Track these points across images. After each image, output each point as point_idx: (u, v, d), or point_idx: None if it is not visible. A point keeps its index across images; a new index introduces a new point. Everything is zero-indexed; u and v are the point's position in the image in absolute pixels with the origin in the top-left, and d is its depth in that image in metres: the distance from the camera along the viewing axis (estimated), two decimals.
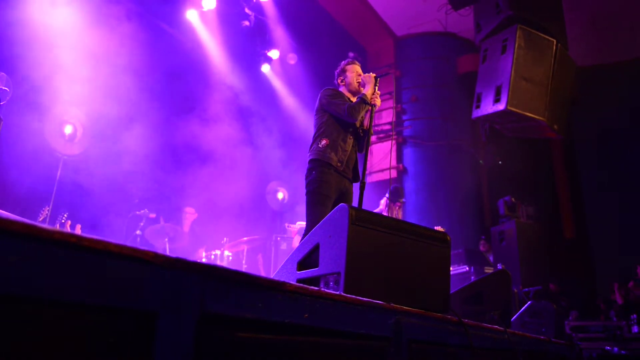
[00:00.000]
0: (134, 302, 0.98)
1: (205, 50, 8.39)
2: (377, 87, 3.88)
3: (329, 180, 3.74)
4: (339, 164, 3.79)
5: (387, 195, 5.99)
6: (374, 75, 3.93)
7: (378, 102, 3.86)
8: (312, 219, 3.62)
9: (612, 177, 9.89)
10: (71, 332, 0.90)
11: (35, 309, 0.85)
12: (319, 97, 4.01)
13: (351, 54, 9.43)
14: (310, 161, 3.84)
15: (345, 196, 3.87)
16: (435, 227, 6.08)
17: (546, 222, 9.41)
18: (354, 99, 3.99)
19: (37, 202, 5.68)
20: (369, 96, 3.82)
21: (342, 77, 4.15)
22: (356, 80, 4.05)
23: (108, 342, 0.95)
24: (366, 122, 3.99)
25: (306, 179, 3.84)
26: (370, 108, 3.83)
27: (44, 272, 0.85)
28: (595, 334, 6.77)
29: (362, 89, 3.96)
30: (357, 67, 4.15)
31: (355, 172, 3.98)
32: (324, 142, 3.82)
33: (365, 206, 3.46)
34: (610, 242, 9.15)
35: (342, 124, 3.87)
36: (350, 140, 3.91)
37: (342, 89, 4.11)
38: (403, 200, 6.01)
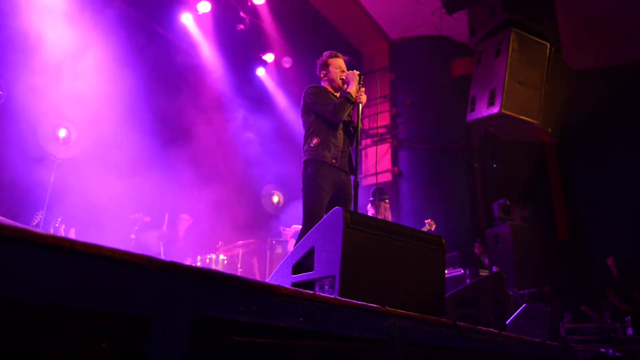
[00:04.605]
0: (128, 306, 0.98)
1: (200, 53, 8.39)
2: (361, 85, 3.86)
3: (325, 174, 3.74)
4: (333, 161, 3.80)
5: (370, 199, 5.99)
6: (358, 72, 3.91)
7: (363, 99, 3.83)
8: (309, 214, 3.62)
9: (606, 180, 9.93)
10: (64, 336, 0.89)
11: (28, 313, 0.85)
12: (303, 97, 3.99)
13: (345, 58, 9.46)
14: (305, 161, 3.84)
15: (343, 189, 3.86)
16: (426, 221, 6.10)
17: (541, 225, 9.44)
18: (337, 94, 3.99)
19: (30, 205, 5.66)
20: (353, 94, 3.80)
21: (325, 72, 4.10)
22: (339, 77, 4.01)
23: (102, 347, 0.94)
24: (355, 118, 3.99)
25: (302, 176, 3.84)
26: (356, 105, 3.82)
27: (37, 276, 0.85)
28: (590, 336, 6.79)
29: (345, 86, 3.94)
30: (340, 62, 4.10)
31: (352, 166, 3.97)
32: (315, 141, 3.81)
33: (360, 208, 3.46)
34: (605, 244, 9.18)
35: (330, 121, 3.87)
36: (341, 136, 3.91)
37: (325, 84, 4.08)
38: (387, 197, 6.01)
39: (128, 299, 0.98)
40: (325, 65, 4.10)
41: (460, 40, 10.11)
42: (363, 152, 10.36)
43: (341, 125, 3.92)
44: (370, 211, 5.91)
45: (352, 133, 4.03)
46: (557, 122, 8.14)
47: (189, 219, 7.30)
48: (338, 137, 3.88)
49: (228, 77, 8.69)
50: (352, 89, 3.82)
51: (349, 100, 3.78)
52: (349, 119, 4.03)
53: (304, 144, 3.91)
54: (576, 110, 8.83)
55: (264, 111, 9.32)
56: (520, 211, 9.05)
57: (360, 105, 3.82)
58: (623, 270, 8.17)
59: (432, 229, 6.03)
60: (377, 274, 2.33)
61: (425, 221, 6.11)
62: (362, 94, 3.83)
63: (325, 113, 3.82)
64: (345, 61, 4.21)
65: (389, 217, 5.94)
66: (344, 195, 3.87)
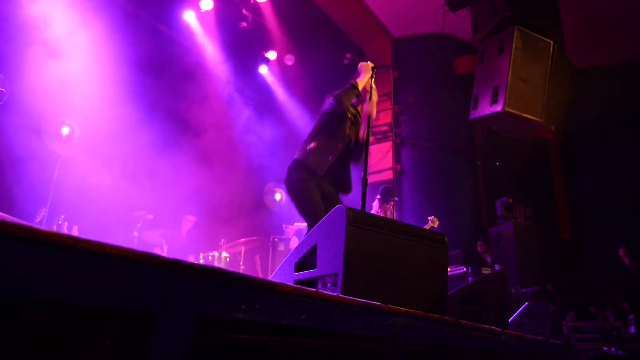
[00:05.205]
0: (131, 304, 0.98)
1: (202, 51, 8.39)
2: (373, 78, 3.77)
3: (309, 179, 3.69)
4: (318, 170, 3.70)
5: (378, 197, 5.99)
6: (372, 65, 3.82)
7: (375, 97, 3.75)
8: (311, 213, 3.55)
9: (609, 178, 9.90)
10: (67, 334, 0.90)
11: (32, 311, 0.85)
12: (325, 98, 3.93)
13: (348, 55, 9.46)
14: (295, 160, 3.79)
15: (329, 197, 3.77)
16: (429, 217, 6.09)
17: (543, 223, 9.42)
18: (358, 108, 3.85)
19: (34, 203, 5.67)
20: (360, 84, 3.72)
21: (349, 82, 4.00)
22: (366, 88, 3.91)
23: (104, 344, 0.95)
24: (362, 133, 3.85)
25: (287, 179, 3.78)
26: (366, 119, 3.68)
27: (40, 274, 0.85)
28: (592, 334, 6.78)
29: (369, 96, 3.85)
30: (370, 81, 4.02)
31: (340, 182, 3.87)
32: (312, 144, 3.76)
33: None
34: (607, 242, 9.16)
35: (336, 132, 3.78)
36: (337, 150, 3.79)
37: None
38: (395, 199, 6.03)
39: (131, 297, 0.98)
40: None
41: (463, 37, 10.09)
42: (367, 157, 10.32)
43: (342, 140, 3.81)
44: (375, 208, 5.92)
45: (354, 148, 3.91)
46: (560, 120, 8.12)
47: (193, 220, 7.31)
48: (334, 150, 3.77)
49: (231, 75, 8.69)
50: (362, 79, 3.75)
51: (354, 87, 3.71)
52: (355, 133, 3.91)
53: (303, 143, 3.86)
54: (579, 109, 8.81)
55: (266, 109, 9.33)
56: (522, 209, 9.03)
57: (370, 120, 3.71)
58: (625, 267, 8.15)
59: (435, 226, 6.01)
60: (379, 272, 2.32)
61: (429, 218, 6.10)
62: (374, 105, 3.73)
63: (332, 107, 3.76)
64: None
65: (392, 217, 5.95)
66: (331, 199, 3.78)
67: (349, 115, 3.89)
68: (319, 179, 3.73)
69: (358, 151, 3.92)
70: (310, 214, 3.59)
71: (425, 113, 10.24)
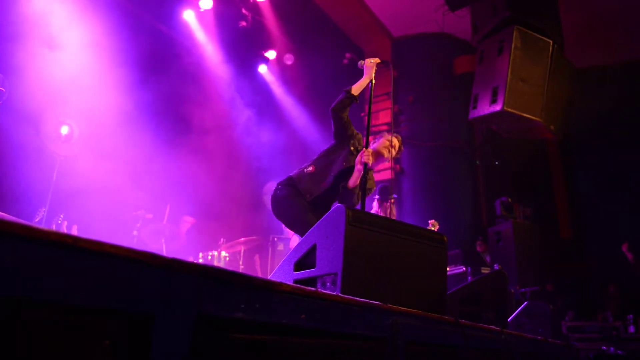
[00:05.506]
0: (131, 304, 0.98)
1: (202, 50, 8.39)
2: (374, 78, 3.64)
3: (297, 196, 3.68)
4: (307, 195, 3.68)
5: (376, 197, 5.99)
6: (378, 60, 3.67)
7: (370, 159, 3.52)
8: (305, 225, 3.41)
9: (608, 178, 9.91)
10: (67, 334, 0.89)
11: (32, 311, 0.85)
12: None
13: (348, 55, 9.45)
14: (288, 177, 3.78)
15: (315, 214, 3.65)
16: (429, 221, 6.08)
17: (543, 223, 9.42)
18: (370, 153, 3.60)
19: (33, 203, 5.66)
20: (356, 89, 3.62)
21: (375, 138, 3.98)
22: (384, 151, 3.89)
23: (104, 344, 0.94)
24: (352, 182, 3.65)
25: (274, 195, 3.77)
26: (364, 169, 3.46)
27: (39, 273, 0.85)
28: (592, 334, 6.79)
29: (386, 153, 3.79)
30: (395, 140, 4.00)
31: (323, 204, 3.77)
32: (310, 168, 3.74)
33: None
34: (607, 242, 9.16)
35: (336, 159, 3.74)
36: (332, 176, 3.70)
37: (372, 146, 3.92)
38: (394, 196, 6.02)
39: (131, 296, 0.98)
40: (380, 136, 4.02)
41: (462, 37, 10.09)
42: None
43: (338, 170, 3.71)
44: (375, 208, 5.93)
45: (343, 194, 3.75)
46: (559, 119, 8.13)
47: (192, 221, 7.31)
48: (330, 177, 3.70)
49: (230, 75, 8.69)
50: (360, 82, 3.66)
51: (347, 93, 3.64)
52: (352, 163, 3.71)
53: (306, 163, 3.82)
54: (579, 109, 8.81)
55: (266, 108, 9.32)
56: (522, 209, 9.03)
57: (370, 172, 3.59)
58: (627, 263, 8.13)
59: (436, 230, 6.01)
60: (379, 272, 2.32)
61: (429, 222, 6.09)
62: (370, 155, 3.52)
63: (333, 123, 3.71)
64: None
65: (393, 215, 5.96)
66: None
67: (352, 147, 3.76)
68: (305, 202, 3.69)
69: (348, 198, 3.76)
70: (302, 226, 3.53)
71: (425, 113, 10.24)
